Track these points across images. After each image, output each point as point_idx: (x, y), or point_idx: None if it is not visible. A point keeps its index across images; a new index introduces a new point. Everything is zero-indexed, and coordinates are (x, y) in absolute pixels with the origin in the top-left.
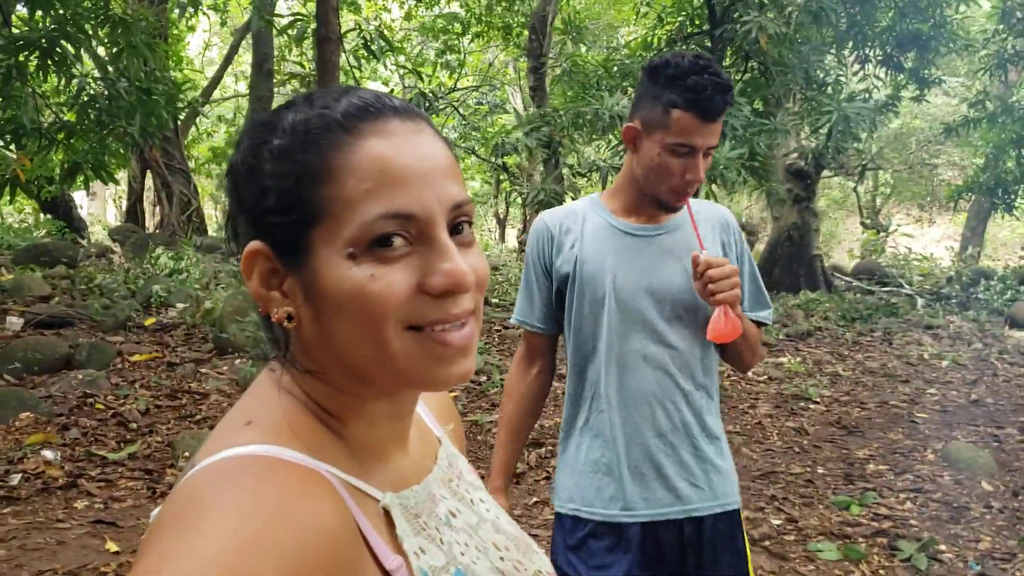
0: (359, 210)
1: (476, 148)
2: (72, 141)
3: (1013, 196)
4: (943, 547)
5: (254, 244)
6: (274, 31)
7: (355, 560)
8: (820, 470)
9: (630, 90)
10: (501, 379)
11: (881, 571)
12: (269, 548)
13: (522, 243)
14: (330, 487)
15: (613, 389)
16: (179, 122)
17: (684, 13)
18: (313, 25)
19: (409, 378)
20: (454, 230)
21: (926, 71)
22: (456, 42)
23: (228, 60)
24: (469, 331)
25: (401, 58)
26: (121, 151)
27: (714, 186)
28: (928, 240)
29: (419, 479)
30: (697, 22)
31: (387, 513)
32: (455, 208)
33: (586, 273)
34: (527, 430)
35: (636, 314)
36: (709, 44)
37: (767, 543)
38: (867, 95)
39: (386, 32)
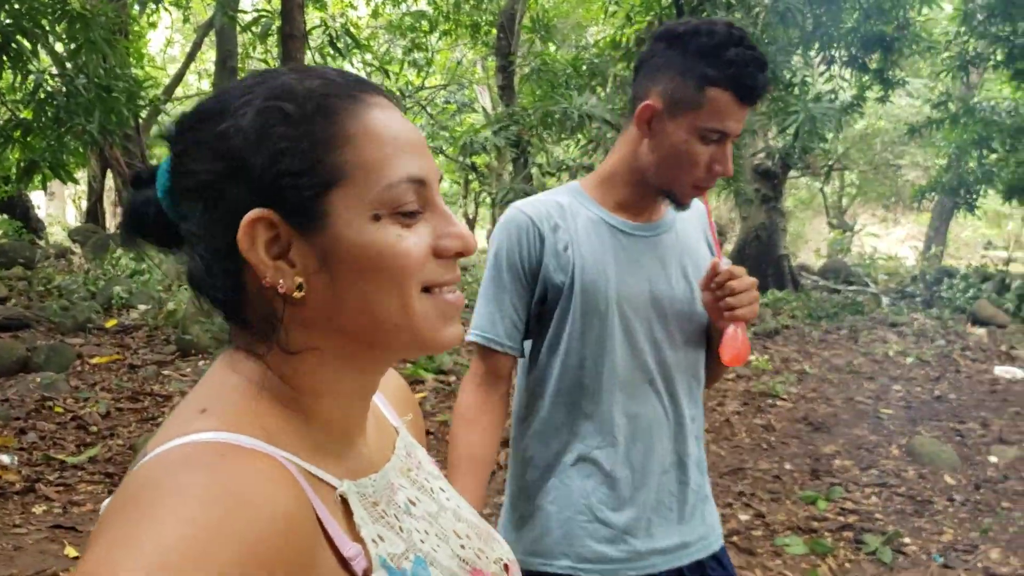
0: (382, 173)
1: (444, 148)
2: (29, 139)
3: (974, 196)
4: (907, 540)
5: (257, 211)
6: (238, 28)
7: (312, 548)
8: (787, 466)
9: (599, 89)
10: None
11: (847, 564)
12: (228, 535)
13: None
14: (288, 474)
15: (620, 419)
16: (140, 120)
17: (653, 12)
18: (278, 22)
19: (423, 338)
20: None
21: (890, 72)
22: (423, 40)
23: (191, 57)
24: (461, 294)
25: (368, 56)
26: (80, 150)
27: None
28: (893, 240)
29: (377, 468)
30: (666, 21)
31: (345, 501)
32: (439, 180)
33: (586, 281)
34: (492, 463)
35: (642, 330)
36: None
37: (735, 539)
38: (833, 96)
39: (352, 29)
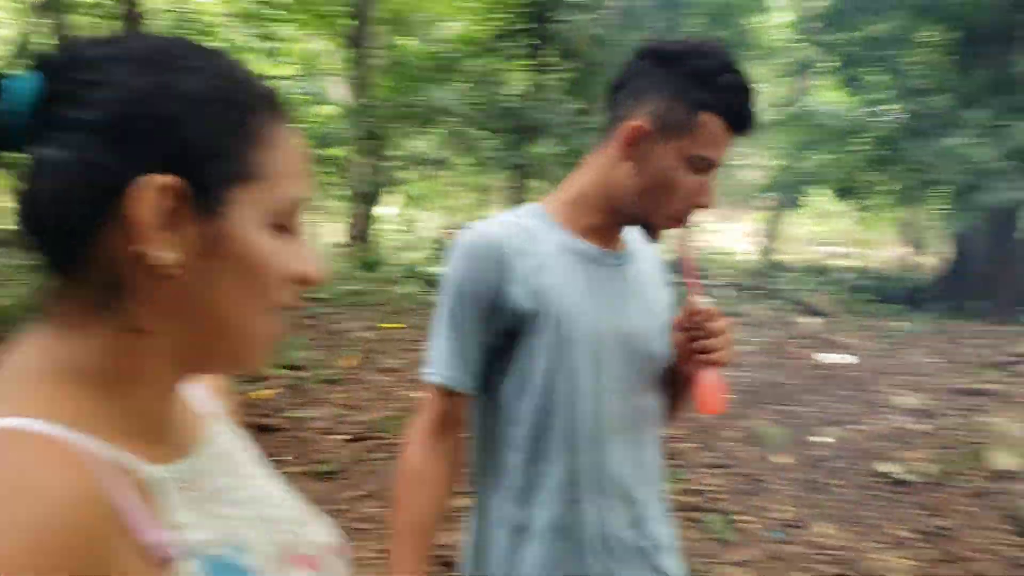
0: (286, 187)
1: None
2: None
3: (802, 195)
4: (747, 518)
5: (170, 178)
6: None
7: (108, 535)
8: None
9: (454, 83)
10: (322, 374)
11: (692, 543)
12: (8, 526)
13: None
14: (76, 458)
15: (592, 472)
16: None
17: (510, 12)
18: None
19: (247, 359)
20: None
21: None
22: (275, 29)
23: (23, 39)
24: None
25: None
26: None
27: (534, 181)
28: (734, 235)
29: (188, 453)
30: (523, 20)
31: (152, 487)
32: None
33: (561, 311)
34: (435, 527)
35: (614, 370)
36: (537, 41)
37: None
38: None
39: (199, 16)
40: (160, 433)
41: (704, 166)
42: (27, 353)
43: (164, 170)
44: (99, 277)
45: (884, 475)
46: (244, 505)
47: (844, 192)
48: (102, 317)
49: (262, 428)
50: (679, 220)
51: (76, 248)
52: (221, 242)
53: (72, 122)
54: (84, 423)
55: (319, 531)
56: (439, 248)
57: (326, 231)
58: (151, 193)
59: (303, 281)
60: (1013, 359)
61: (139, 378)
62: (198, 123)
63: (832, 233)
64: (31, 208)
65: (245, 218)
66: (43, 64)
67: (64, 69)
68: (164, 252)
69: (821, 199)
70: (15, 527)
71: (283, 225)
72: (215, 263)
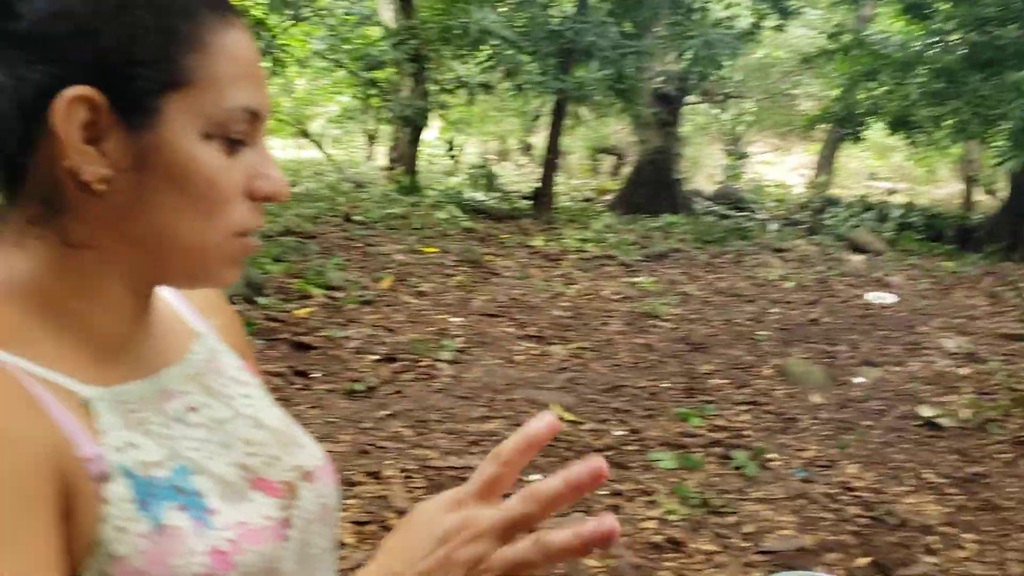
0: (226, 92)
1: (344, 61)
2: None
3: (861, 127)
4: (773, 455)
5: (84, 89)
6: None
7: (49, 447)
8: (664, 384)
9: (500, 5)
10: (358, 295)
11: (715, 478)
12: None
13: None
14: (10, 380)
15: None
16: None
17: None
18: None
19: (207, 274)
20: None
21: (788, 1)
22: None
23: None
24: (256, 240)
25: None
26: None
27: (582, 107)
28: (785, 168)
29: (151, 373)
30: None
31: (86, 406)
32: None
33: None
34: None
35: None
36: None
37: (609, 453)
38: (731, 22)
39: None
40: (113, 352)
41: None
42: None
43: (86, 81)
44: (36, 194)
45: (920, 419)
46: (213, 427)
47: (900, 125)
48: (42, 234)
49: (297, 345)
50: None
51: (13, 166)
52: (153, 154)
53: (3, 36)
54: (19, 342)
55: (302, 456)
56: (480, 174)
57: (369, 153)
58: (68, 106)
59: (259, 196)
60: None
61: (86, 295)
62: (118, 29)
63: (886, 168)
64: None
65: (179, 128)
66: None
67: None
68: (90, 167)
69: (877, 133)
70: None
71: (233, 137)
72: (148, 177)
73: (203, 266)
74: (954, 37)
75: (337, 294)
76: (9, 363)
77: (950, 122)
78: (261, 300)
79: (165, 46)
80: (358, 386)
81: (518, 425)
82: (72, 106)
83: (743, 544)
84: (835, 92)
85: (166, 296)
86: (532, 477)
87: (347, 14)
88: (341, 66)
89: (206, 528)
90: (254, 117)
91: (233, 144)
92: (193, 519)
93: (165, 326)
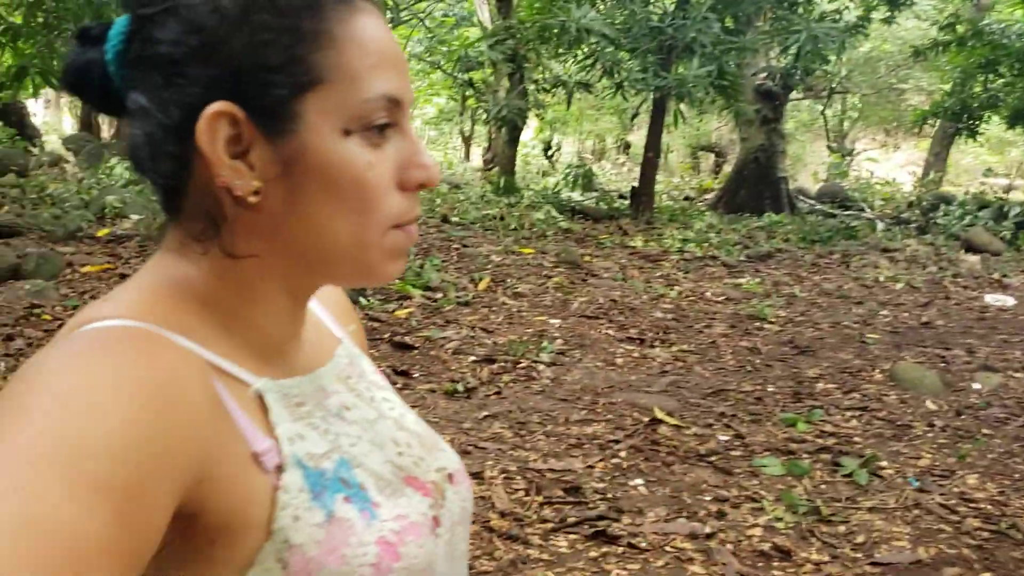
0: (362, 84)
1: (442, 63)
2: (19, 44)
3: (977, 121)
4: (885, 463)
5: (223, 105)
6: None
7: (219, 438)
8: (770, 388)
9: (599, 2)
10: (457, 296)
11: (823, 486)
12: (112, 413)
13: (487, 162)
14: (195, 361)
15: None
16: None
17: None
18: None
19: (369, 272)
20: None
21: None
22: None
23: None
24: (416, 228)
25: None
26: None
27: (682, 104)
28: (892, 165)
29: (309, 371)
30: None
31: (261, 399)
32: (411, 105)
33: None
34: None
35: None
36: None
37: (713, 459)
38: (837, 16)
39: None
40: (274, 353)
41: None
42: (141, 274)
43: (224, 96)
44: (198, 211)
45: None
46: (364, 427)
47: (1018, 119)
48: (206, 248)
49: (398, 345)
50: None
51: (172, 187)
52: (297, 160)
53: (143, 61)
54: (194, 334)
55: (444, 458)
56: (577, 173)
57: (465, 154)
58: (211, 124)
59: (411, 186)
60: None
61: (250, 301)
62: (244, 38)
63: (1002, 164)
64: (131, 152)
65: (320, 129)
66: (130, 3)
67: (138, 6)
68: (240, 181)
69: (993, 127)
70: (120, 417)
71: (376, 127)
72: (299, 183)
73: (364, 263)
74: None
75: (435, 295)
76: (192, 349)
77: None
78: (363, 301)
79: (292, 47)
80: (458, 387)
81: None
82: (214, 123)
83: (854, 555)
84: (948, 86)
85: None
86: (635, 482)
87: (445, 16)
88: (438, 68)
89: (373, 519)
90: (395, 104)
91: (378, 135)
92: (360, 510)
93: (315, 329)
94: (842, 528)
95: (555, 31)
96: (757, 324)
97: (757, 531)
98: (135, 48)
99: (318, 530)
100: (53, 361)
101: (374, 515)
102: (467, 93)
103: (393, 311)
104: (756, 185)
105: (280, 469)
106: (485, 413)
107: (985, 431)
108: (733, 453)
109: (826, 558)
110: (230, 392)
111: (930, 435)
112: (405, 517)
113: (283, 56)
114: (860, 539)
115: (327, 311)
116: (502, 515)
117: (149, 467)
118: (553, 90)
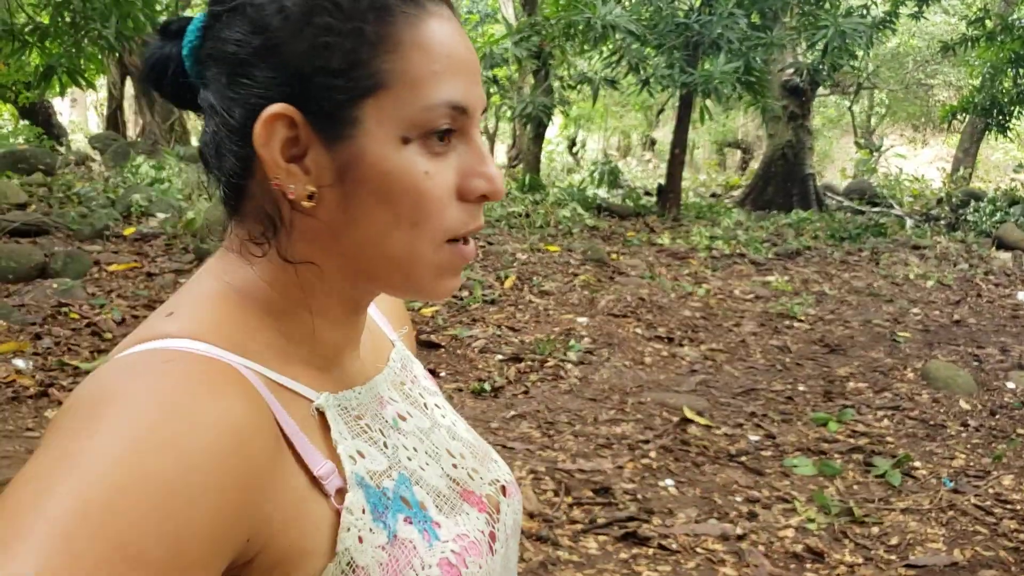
0: (424, 91)
1: None
2: (46, 43)
3: (1008, 117)
4: (918, 464)
5: (281, 107)
6: None
7: (273, 464)
8: (801, 387)
9: None
10: (483, 295)
11: (855, 486)
12: (168, 443)
13: (512, 159)
14: (245, 383)
15: None
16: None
17: None
18: None
19: (420, 287)
20: None
21: None
22: None
23: None
24: (475, 245)
25: None
26: (97, 55)
27: (708, 101)
28: (920, 161)
29: (365, 380)
30: None
31: (322, 415)
32: (483, 112)
33: None
34: None
35: None
36: None
37: (744, 459)
38: (864, 11)
39: None
40: (332, 361)
41: None
42: (206, 276)
43: (283, 98)
44: (256, 213)
45: None
46: (420, 437)
47: None
48: (264, 251)
49: (424, 344)
50: None
51: (235, 187)
52: (354, 167)
53: (213, 58)
54: (251, 348)
55: (495, 469)
56: (603, 170)
57: (492, 151)
58: (268, 125)
59: (472, 197)
60: None
61: (307, 308)
62: (306, 39)
63: None
64: (201, 148)
65: (378, 136)
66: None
67: (212, 3)
68: (295, 184)
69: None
70: (175, 447)
71: (438, 136)
72: (355, 190)
73: (416, 277)
74: None
75: (462, 293)
76: (246, 368)
77: None
78: None
79: (355, 51)
80: (485, 386)
81: (649, 428)
82: (271, 125)
83: (888, 556)
84: (976, 81)
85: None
86: (665, 482)
87: (469, 13)
88: None
89: (434, 540)
90: (461, 112)
91: (439, 143)
92: (421, 531)
93: (370, 334)
94: (875, 529)
95: (580, 28)
96: (787, 322)
97: (789, 532)
98: (208, 45)
99: (381, 552)
100: (120, 391)
101: (435, 535)
102: (491, 91)
103: (419, 309)
104: (784, 182)
105: (342, 491)
106: (513, 412)
107: (1020, 431)
108: (764, 453)
109: (859, 560)
110: (289, 412)
111: (964, 435)
112: (465, 536)
113: (345, 60)
114: (894, 541)
115: (380, 313)
116: (531, 516)
117: (207, 548)
118: (579, 87)
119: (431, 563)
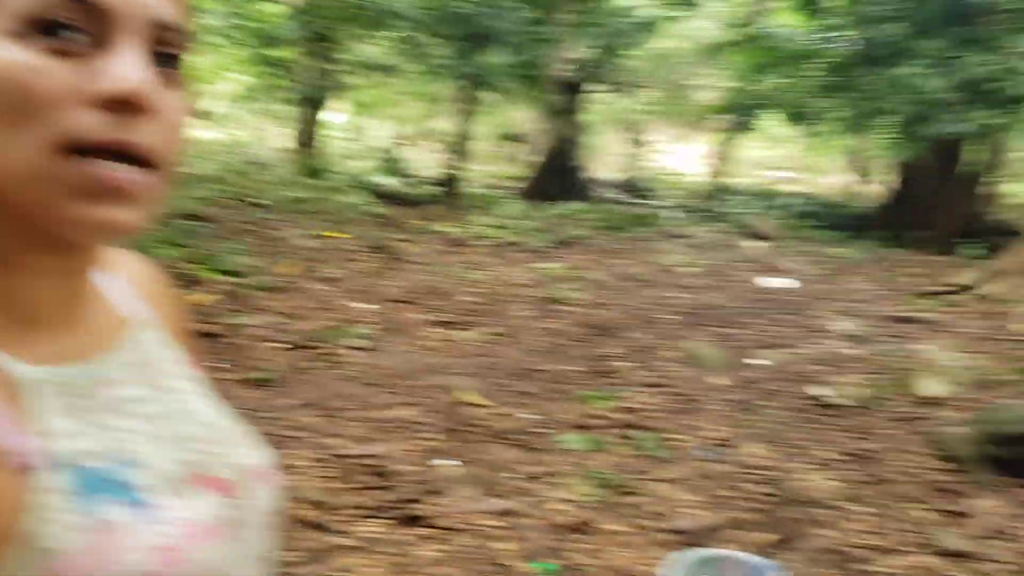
0: None
1: (240, 38)
2: None
3: (752, 118)
4: (678, 436)
5: None
6: None
7: None
8: (572, 368)
9: None
10: (261, 282)
11: (622, 460)
12: None
13: (301, 144)
14: None
15: None
16: None
17: None
18: None
19: (44, 208)
20: (158, 61)
21: None
22: None
23: None
24: (144, 179)
25: None
26: None
27: (488, 93)
28: (684, 157)
29: (90, 357)
30: None
31: (20, 387)
32: (161, 27)
33: None
34: None
35: None
36: None
37: (519, 437)
38: (632, 12)
39: None
40: (44, 332)
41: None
42: None
43: None
44: None
45: (815, 398)
46: (153, 420)
47: (795, 117)
48: None
49: (200, 334)
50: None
51: None
52: None
53: None
54: None
55: (245, 453)
56: (387, 158)
57: (271, 135)
58: None
59: (102, 99)
60: (947, 289)
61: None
62: None
63: (781, 158)
64: None
65: None
66: None
67: None
68: None
69: (772, 124)
70: None
71: (57, 32)
72: None
73: (35, 192)
74: (845, 33)
75: (240, 280)
76: None
77: (842, 114)
78: None
79: None
80: (264, 375)
81: (429, 411)
82: None
83: (651, 524)
84: (732, 84)
85: (104, 280)
86: (445, 462)
87: None
88: (241, 44)
89: (151, 524)
90: (89, 9)
91: (59, 42)
92: (135, 514)
93: (100, 311)
94: (639, 499)
95: (363, 12)
96: (560, 307)
97: (561, 505)
98: None
99: (84, 536)
100: None
101: (152, 519)
102: (269, 71)
103: (190, 296)
104: (559, 174)
105: (37, 468)
106: (294, 401)
107: (763, 403)
108: (537, 431)
109: (626, 528)
110: None
111: (716, 408)
112: (192, 521)
113: None
114: (657, 509)
115: (131, 288)
116: (310, 504)
117: None
118: (357, 71)
119: (146, 547)
